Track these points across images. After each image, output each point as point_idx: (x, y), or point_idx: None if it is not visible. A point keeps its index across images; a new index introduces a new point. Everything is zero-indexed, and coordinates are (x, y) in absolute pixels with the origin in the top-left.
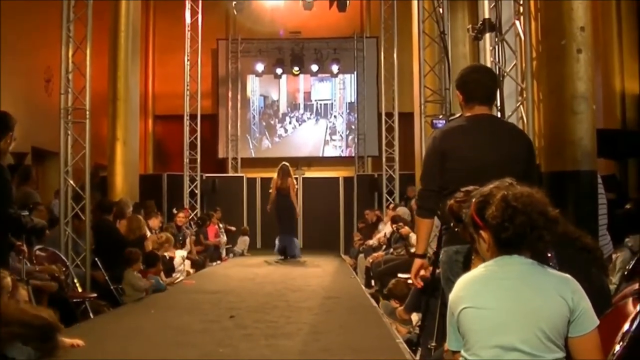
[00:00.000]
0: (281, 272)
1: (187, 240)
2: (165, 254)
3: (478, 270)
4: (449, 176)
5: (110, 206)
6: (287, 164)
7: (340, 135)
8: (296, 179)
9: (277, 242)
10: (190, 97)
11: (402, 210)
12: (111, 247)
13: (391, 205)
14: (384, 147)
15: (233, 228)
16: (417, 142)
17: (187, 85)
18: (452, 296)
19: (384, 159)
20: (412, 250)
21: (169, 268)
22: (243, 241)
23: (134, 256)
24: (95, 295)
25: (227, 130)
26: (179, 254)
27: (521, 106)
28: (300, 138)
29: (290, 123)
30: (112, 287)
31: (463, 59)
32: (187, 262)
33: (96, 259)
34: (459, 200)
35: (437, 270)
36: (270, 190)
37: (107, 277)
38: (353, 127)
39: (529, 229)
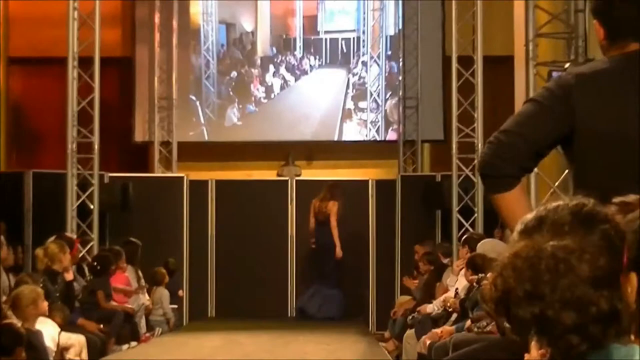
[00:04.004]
0: None
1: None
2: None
3: None
4: (580, 164)
5: None
6: (337, 182)
7: (375, 101)
8: (287, 181)
9: (307, 295)
10: (80, 24)
11: (489, 247)
12: None
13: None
14: (454, 124)
15: (180, 292)
16: None
17: (75, 3)
18: None
19: (454, 147)
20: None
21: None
22: (160, 297)
23: None
24: None
25: (153, 91)
26: (48, 332)
27: None
28: (295, 106)
29: (277, 77)
30: None
31: None
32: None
33: None
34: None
35: None
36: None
37: None
38: (397, 84)
39: None
